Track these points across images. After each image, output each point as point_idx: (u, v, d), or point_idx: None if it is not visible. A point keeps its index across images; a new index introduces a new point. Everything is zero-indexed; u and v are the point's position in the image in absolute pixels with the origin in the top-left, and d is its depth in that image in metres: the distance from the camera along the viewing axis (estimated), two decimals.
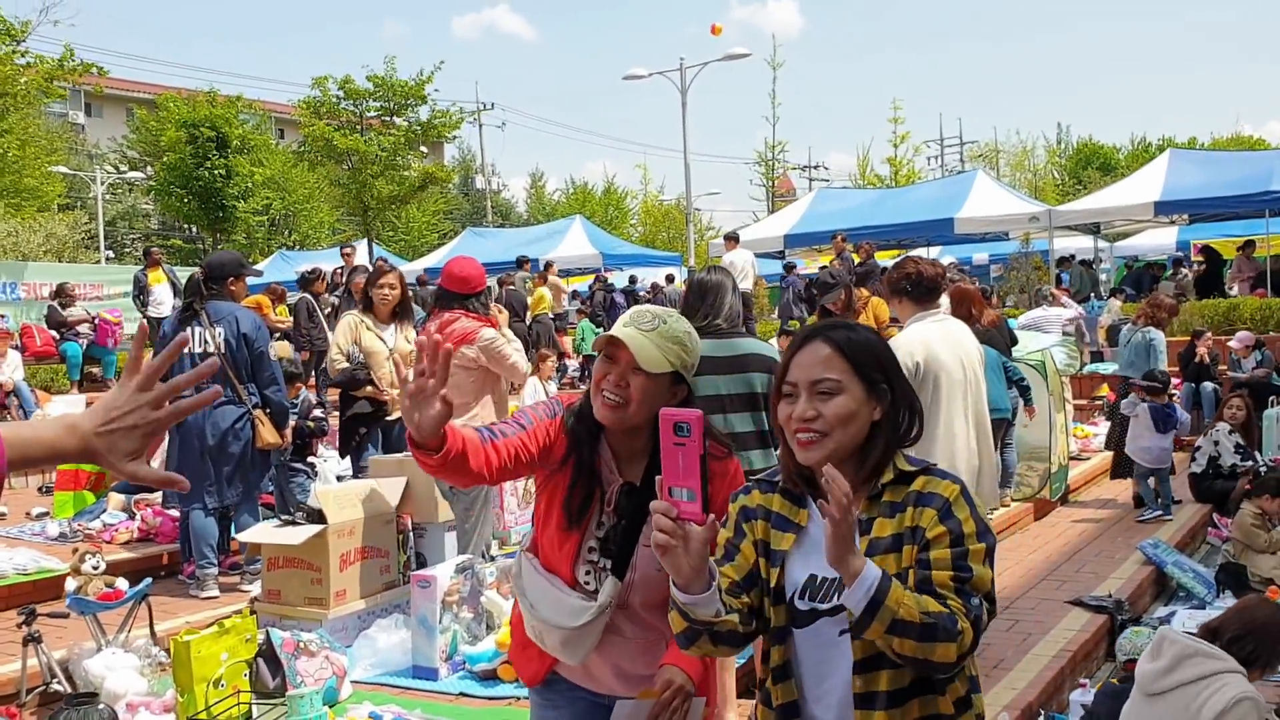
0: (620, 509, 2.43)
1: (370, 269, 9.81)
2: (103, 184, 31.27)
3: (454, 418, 2.17)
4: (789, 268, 18.86)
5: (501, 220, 50.67)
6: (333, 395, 9.10)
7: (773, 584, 2.07)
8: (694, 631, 2.01)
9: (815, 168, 56.83)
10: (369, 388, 6.69)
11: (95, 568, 5.06)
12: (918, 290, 5.11)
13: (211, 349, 6.19)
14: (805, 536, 2.07)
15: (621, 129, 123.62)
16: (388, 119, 20.63)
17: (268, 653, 4.92)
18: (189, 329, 6.27)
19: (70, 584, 5.07)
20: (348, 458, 7.26)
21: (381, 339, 6.57)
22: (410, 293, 7.05)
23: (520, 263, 18.04)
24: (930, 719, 2.00)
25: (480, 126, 48.29)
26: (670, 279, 24.49)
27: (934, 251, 24.77)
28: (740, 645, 2.11)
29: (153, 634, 5.16)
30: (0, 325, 12.86)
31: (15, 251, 19.95)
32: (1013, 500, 8.36)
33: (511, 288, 16.34)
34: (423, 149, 49.42)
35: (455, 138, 24.14)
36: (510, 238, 25.29)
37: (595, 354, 2.43)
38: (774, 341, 14.71)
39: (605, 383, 2.36)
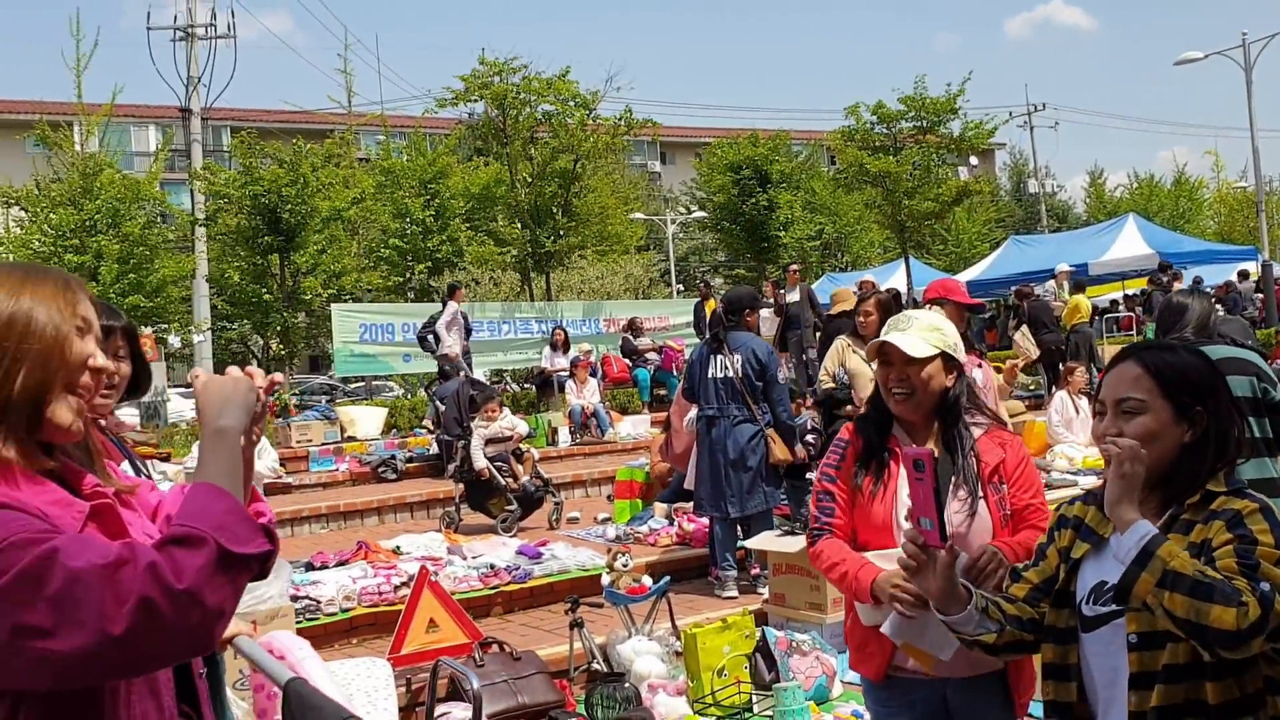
0: None
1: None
2: (673, 224, 34.86)
3: None
4: None
5: (1058, 224, 48.31)
6: None
7: (1058, 587, 2.14)
8: (964, 642, 2.21)
9: None
10: (849, 406, 7.02)
11: (625, 565, 5.90)
12: None
13: (731, 374, 6.92)
14: (1104, 546, 2.09)
15: (1191, 113, 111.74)
16: (920, 137, 20.84)
17: (764, 649, 5.43)
18: (713, 356, 7.08)
19: (605, 579, 5.96)
20: None
21: (866, 360, 6.88)
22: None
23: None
24: None
25: (1031, 129, 46.78)
26: (1244, 275, 21.87)
27: None
28: (1025, 653, 2.26)
29: (673, 626, 5.89)
30: (583, 358, 14.99)
31: (601, 291, 23.09)
32: None
33: (1034, 299, 15.71)
34: (972, 160, 48.49)
35: (993, 146, 23.58)
36: (1055, 243, 24.15)
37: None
38: None
39: (890, 382, 2.74)
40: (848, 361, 6.95)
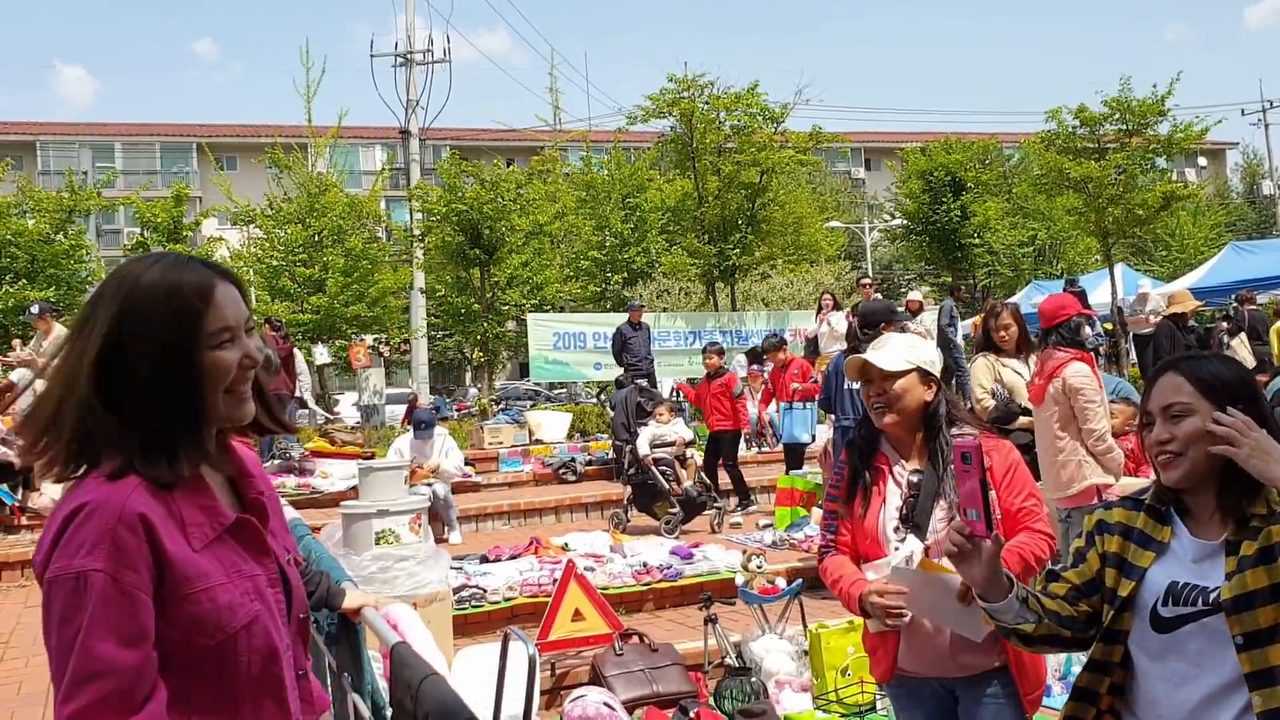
0: (913, 489, 2.94)
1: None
2: (872, 231, 34.52)
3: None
4: None
5: None
6: None
7: (1124, 594, 2.24)
8: (1002, 630, 2.34)
9: None
10: (1023, 418, 7.01)
11: (758, 567, 6.20)
12: None
13: (859, 386, 7.09)
14: (1167, 552, 2.24)
15: None
16: (1125, 140, 19.94)
17: None
18: None
19: (739, 579, 6.27)
20: None
21: (1018, 372, 6.88)
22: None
23: None
24: None
25: (1265, 126, 43.74)
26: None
27: None
28: (1061, 649, 2.36)
29: (804, 626, 6.14)
30: (755, 368, 15.26)
31: (791, 300, 23.23)
32: None
33: (1253, 308, 14.81)
34: (1200, 160, 45.37)
35: (1223, 146, 22.14)
36: (1278, 250, 22.56)
37: None
38: None
39: (870, 399, 2.99)
40: (1002, 376, 6.98)
